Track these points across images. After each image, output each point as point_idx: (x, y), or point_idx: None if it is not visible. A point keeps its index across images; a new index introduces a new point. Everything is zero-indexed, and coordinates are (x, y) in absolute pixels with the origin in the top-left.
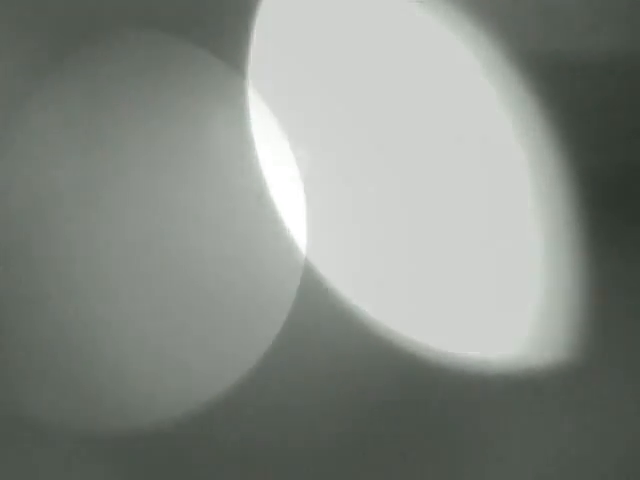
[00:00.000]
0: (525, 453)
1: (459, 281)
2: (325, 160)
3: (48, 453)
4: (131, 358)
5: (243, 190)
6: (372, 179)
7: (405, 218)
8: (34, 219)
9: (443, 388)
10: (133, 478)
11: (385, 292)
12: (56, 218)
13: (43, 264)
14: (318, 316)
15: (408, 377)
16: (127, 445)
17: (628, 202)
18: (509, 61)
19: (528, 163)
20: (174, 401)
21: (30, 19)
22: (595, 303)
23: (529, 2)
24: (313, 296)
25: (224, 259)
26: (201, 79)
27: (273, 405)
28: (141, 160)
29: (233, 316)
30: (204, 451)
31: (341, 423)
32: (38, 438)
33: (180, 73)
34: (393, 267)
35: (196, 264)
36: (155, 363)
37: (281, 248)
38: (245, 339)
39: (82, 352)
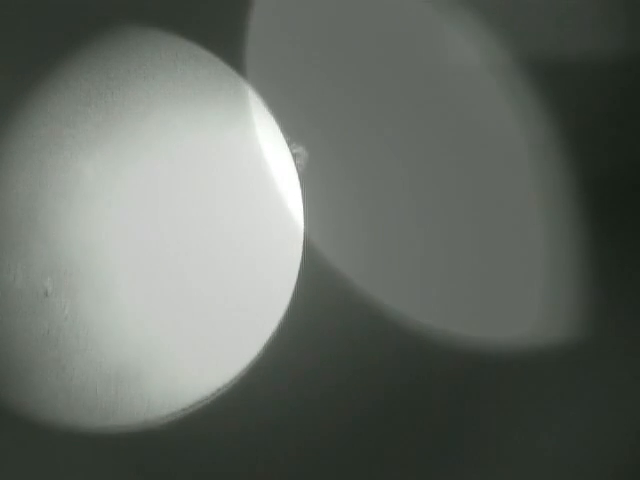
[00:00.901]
0: (529, 436)
1: (464, 263)
2: (323, 156)
3: (47, 453)
4: (130, 354)
5: (242, 185)
6: (371, 176)
7: (404, 215)
8: (34, 218)
9: (447, 369)
10: (132, 477)
11: (389, 276)
12: (56, 216)
13: (43, 262)
14: (319, 305)
15: (413, 359)
16: (126, 444)
17: (630, 203)
18: (511, 62)
19: (530, 162)
20: (176, 393)
21: (29, 18)
22: (599, 288)
23: (531, 3)
24: (313, 289)
25: (223, 255)
26: (199, 76)
27: (274, 396)
28: (139, 158)
29: (233, 307)
30: (204, 445)
31: (344, 412)
32: (37, 438)
33: (177, 70)
34: (396, 251)
35: (195, 258)
36: (155, 355)
37: (280, 242)
38: (246, 329)
39: (82, 349)
